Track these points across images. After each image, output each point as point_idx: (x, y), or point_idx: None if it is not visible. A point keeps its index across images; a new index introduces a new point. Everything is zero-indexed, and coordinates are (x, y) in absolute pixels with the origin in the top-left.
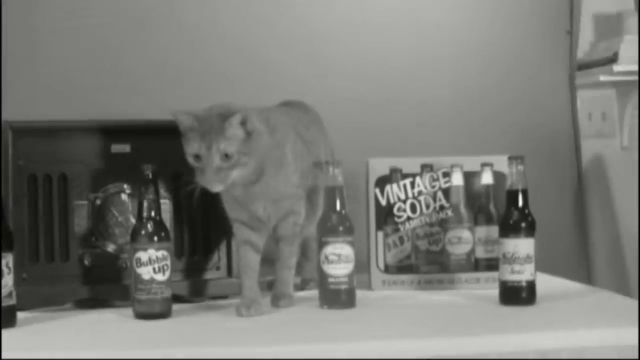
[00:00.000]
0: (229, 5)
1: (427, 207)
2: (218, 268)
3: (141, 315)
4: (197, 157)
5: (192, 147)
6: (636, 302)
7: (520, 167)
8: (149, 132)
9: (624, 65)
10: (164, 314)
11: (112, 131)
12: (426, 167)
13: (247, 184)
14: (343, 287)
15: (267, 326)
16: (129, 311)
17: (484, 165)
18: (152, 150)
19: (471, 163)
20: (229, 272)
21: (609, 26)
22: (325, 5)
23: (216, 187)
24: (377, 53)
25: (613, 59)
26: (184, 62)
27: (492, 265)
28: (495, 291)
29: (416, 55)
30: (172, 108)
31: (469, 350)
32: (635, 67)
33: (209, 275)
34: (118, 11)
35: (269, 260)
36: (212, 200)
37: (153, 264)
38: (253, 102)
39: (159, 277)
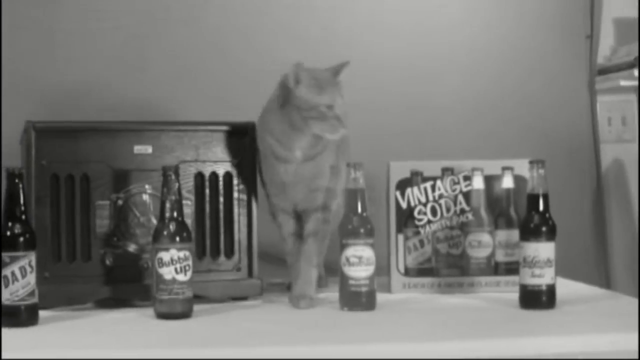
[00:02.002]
0: (248, 7)
1: (448, 210)
2: (239, 269)
3: (162, 315)
4: (330, 107)
5: (323, 99)
6: None
7: (541, 171)
8: (171, 133)
9: None
10: (185, 314)
11: (134, 132)
12: (447, 171)
13: (306, 158)
14: (363, 289)
15: (287, 327)
16: (150, 311)
17: (504, 169)
18: (175, 151)
19: (492, 167)
20: (250, 273)
21: (630, 31)
22: (344, 8)
23: (342, 133)
24: (397, 56)
25: (633, 63)
26: (205, 63)
27: (512, 269)
28: (515, 295)
29: (437, 59)
30: (295, 63)
31: (488, 354)
32: None
33: (230, 276)
34: (140, 12)
35: (282, 260)
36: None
37: (175, 264)
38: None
39: (181, 277)
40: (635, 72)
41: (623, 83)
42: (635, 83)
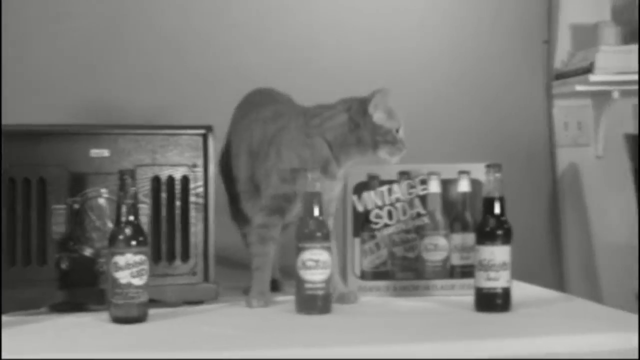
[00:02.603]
0: (211, 11)
1: (404, 214)
2: (195, 273)
3: (118, 320)
4: (397, 130)
5: (394, 123)
6: (609, 309)
7: (497, 175)
8: (128, 137)
9: (600, 75)
10: (141, 319)
11: (91, 135)
12: (403, 175)
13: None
14: (320, 292)
15: (243, 331)
16: (105, 315)
17: (461, 172)
18: (132, 155)
19: (448, 171)
20: (206, 277)
21: (586, 36)
22: (304, 10)
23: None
24: (356, 59)
25: (589, 69)
26: (162, 66)
27: (467, 272)
28: (470, 298)
29: (395, 62)
30: (377, 90)
31: (444, 356)
32: (610, 78)
33: (186, 280)
34: (97, 15)
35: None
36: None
37: (130, 268)
38: (231, 107)
39: (136, 281)
40: (591, 77)
41: (579, 88)
42: (591, 88)
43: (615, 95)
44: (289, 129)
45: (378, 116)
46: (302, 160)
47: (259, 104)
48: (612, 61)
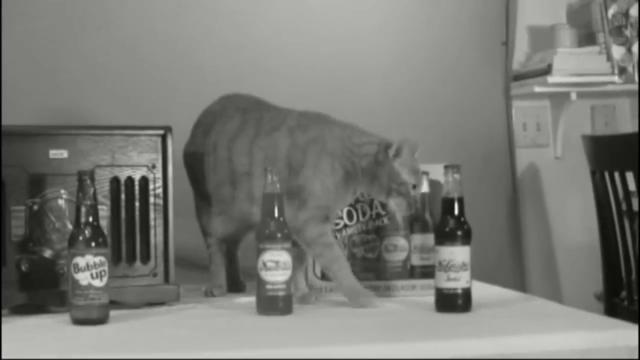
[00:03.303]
0: (170, 13)
1: (364, 214)
2: (155, 274)
3: (78, 321)
4: (414, 187)
5: (413, 178)
6: (569, 308)
7: (456, 176)
8: (87, 137)
9: (558, 77)
10: (102, 320)
11: (50, 136)
12: None
13: None
14: (280, 293)
15: (203, 332)
16: (66, 317)
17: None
18: (91, 156)
19: None
20: (166, 278)
21: (543, 38)
22: (263, 13)
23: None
24: (315, 60)
25: (547, 70)
26: (121, 67)
27: (427, 272)
28: (431, 298)
29: (355, 63)
30: (403, 138)
31: (404, 356)
32: (568, 79)
33: (146, 281)
34: (56, 16)
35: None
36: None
37: (91, 270)
38: (190, 108)
39: (97, 283)
40: (549, 79)
41: (537, 89)
42: (549, 89)
43: (573, 96)
44: (325, 141)
45: (399, 163)
46: (346, 174)
47: (253, 110)
48: (569, 63)
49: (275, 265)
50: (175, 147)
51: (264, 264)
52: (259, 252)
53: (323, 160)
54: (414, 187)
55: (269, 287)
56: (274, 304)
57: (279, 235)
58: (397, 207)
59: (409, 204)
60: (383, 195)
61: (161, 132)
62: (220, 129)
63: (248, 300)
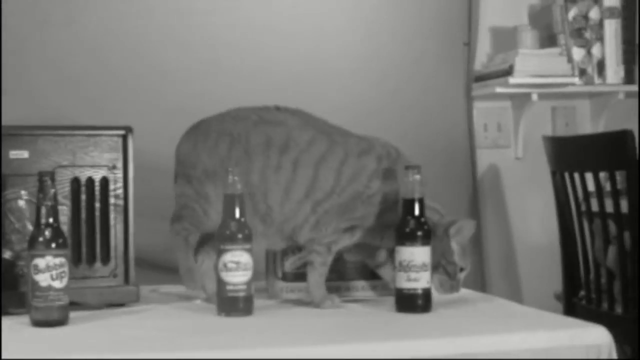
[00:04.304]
0: (132, 13)
1: None
2: (115, 275)
3: (38, 323)
4: (462, 270)
5: (463, 261)
6: (529, 308)
7: (417, 176)
8: (47, 137)
9: (519, 78)
10: (62, 322)
11: (10, 136)
12: None
13: None
14: (241, 294)
15: (164, 333)
16: (25, 319)
17: None
18: (51, 156)
19: None
20: (126, 279)
21: (505, 39)
22: (226, 12)
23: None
24: (278, 59)
25: (508, 71)
26: (83, 67)
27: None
28: (391, 299)
29: (317, 63)
30: (473, 222)
31: (365, 356)
32: (529, 80)
33: (107, 282)
34: (18, 15)
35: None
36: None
37: (51, 271)
38: (152, 107)
39: (57, 284)
40: (510, 80)
41: (499, 90)
42: (510, 90)
43: (534, 97)
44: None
45: (455, 242)
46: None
47: (333, 132)
48: (530, 64)
49: (236, 266)
50: (136, 147)
51: (225, 265)
52: (220, 252)
53: (391, 199)
54: (461, 270)
55: (229, 287)
56: (234, 305)
57: (239, 236)
58: (440, 285)
59: (452, 286)
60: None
61: (122, 132)
62: (306, 148)
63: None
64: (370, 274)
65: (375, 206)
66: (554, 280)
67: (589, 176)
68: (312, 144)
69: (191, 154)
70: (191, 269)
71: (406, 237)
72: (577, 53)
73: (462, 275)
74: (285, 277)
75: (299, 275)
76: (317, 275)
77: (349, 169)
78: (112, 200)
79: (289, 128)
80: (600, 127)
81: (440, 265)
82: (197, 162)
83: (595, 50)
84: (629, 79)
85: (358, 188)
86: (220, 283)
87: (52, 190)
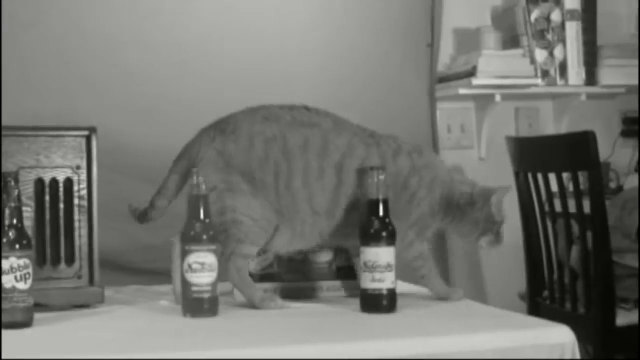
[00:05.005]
0: (91, 12)
1: None
2: (80, 277)
3: (2, 325)
4: (501, 224)
5: (501, 216)
6: (493, 308)
7: (381, 177)
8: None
9: (482, 79)
10: (26, 323)
11: None
12: None
13: None
14: (206, 295)
15: (128, 335)
16: None
17: None
18: (15, 157)
19: None
20: (91, 280)
21: (468, 41)
22: (190, 13)
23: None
24: (243, 58)
25: (472, 72)
26: (47, 67)
27: (353, 273)
28: (356, 299)
29: (280, 63)
30: (505, 187)
31: (330, 357)
32: (492, 81)
33: (71, 283)
34: None
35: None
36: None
37: (14, 272)
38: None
39: (21, 285)
40: (473, 81)
41: (462, 91)
42: (473, 91)
43: (497, 98)
44: (437, 168)
45: (494, 208)
46: (446, 204)
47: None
48: (493, 65)
49: (201, 267)
50: (100, 148)
51: (189, 266)
52: (184, 253)
53: (435, 185)
54: (501, 223)
55: (194, 289)
56: (199, 306)
57: (204, 237)
58: (489, 244)
59: (497, 241)
60: (475, 235)
61: (86, 133)
62: (348, 152)
63: (173, 302)
64: (336, 275)
65: (423, 201)
66: (518, 280)
67: (552, 176)
68: (352, 148)
69: (221, 156)
70: (268, 289)
71: (371, 238)
72: (540, 54)
73: (502, 228)
74: (250, 278)
75: (265, 276)
76: (435, 277)
77: (388, 176)
78: (76, 201)
79: (324, 131)
80: (563, 128)
81: (486, 229)
82: (229, 166)
83: (557, 51)
84: (590, 80)
85: (401, 192)
86: (185, 284)
87: (16, 191)
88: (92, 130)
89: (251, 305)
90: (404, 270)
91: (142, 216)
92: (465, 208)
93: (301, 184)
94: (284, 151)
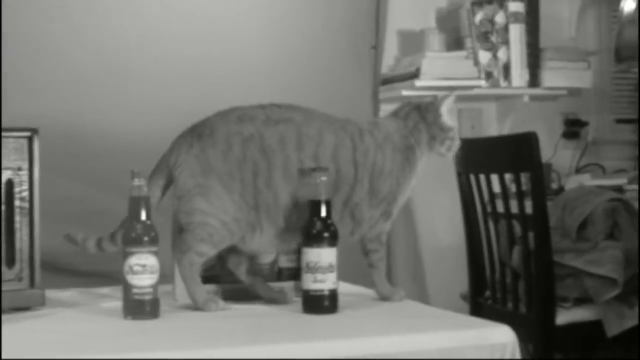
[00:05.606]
0: (38, 12)
1: None
2: (20, 279)
3: None
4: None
5: (455, 123)
6: (435, 308)
7: (324, 178)
8: None
9: (425, 81)
10: None
11: None
12: None
13: None
14: (147, 297)
15: (70, 337)
16: None
17: None
18: None
19: None
20: (32, 283)
21: (412, 42)
22: (137, 14)
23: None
24: (186, 60)
25: (415, 74)
26: None
27: (295, 274)
28: (298, 300)
29: (224, 64)
30: (452, 94)
31: (271, 358)
32: (435, 83)
33: (12, 286)
34: None
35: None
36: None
37: None
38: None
39: None
40: (417, 83)
41: (405, 93)
42: (416, 93)
43: None
44: (392, 136)
45: (446, 116)
46: (408, 162)
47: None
48: (437, 67)
49: (142, 269)
50: (43, 149)
51: (131, 268)
52: (125, 255)
53: (395, 152)
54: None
55: (135, 291)
56: (141, 308)
57: (145, 238)
58: (447, 149)
59: (455, 144)
60: (435, 147)
61: (28, 134)
62: (319, 141)
63: (114, 304)
64: (277, 276)
65: (394, 177)
66: (460, 281)
67: (494, 177)
68: (322, 136)
69: (199, 161)
70: (210, 291)
71: (313, 239)
72: (484, 56)
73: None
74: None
75: (208, 278)
76: (382, 273)
77: (360, 156)
78: (17, 203)
79: (297, 124)
80: (506, 129)
81: (445, 139)
82: (209, 170)
83: (501, 53)
84: (533, 82)
85: (371, 171)
86: (126, 286)
87: None
88: (34, 131)
89: (194, 304)
90: (346, 271)
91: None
92: (425, 133)
93: (282, 179)
94: (261, 149)
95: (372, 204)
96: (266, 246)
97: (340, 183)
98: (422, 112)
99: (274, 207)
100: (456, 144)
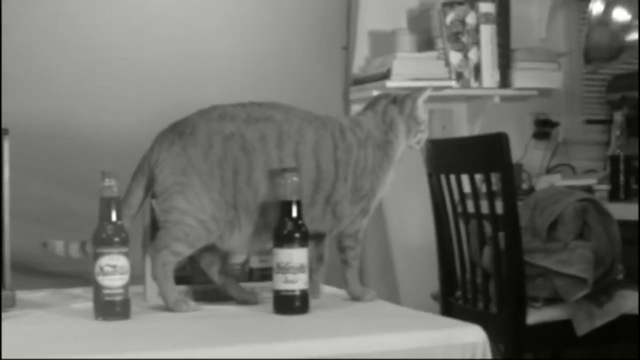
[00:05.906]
0: (7, 13)
1: None
2: None
3: None
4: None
5: (426, 116)
6: (406, 309)
7: (295, 179)
8: None
9: (396, 81)
10: None
11: None
12: None
13: None
14: (118, 298)
15: (39, 338)
16: None
17: None
18: None
19: None
20: (2, 284)
21: (383, 43)
22: (103, 15)
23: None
24: (155, 61)
25: (386, 74)
26: None
27: (266, 275)
28: (270, 300)
29: (193, 65)
30: (424, 89)
31: (243, 358)
32: (406, 84)
33: None
34: None
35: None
36: None
37: None
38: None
39: None
40: (387, 83)
41: (376, 93)
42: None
43: None
44: (372, 133)
45: (420, 109)
46: (387, 157)
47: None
48: (408, 67)
49: (113, 270)
50: (12, 150)
51: (101, 269)
52: (96, 256)
53: (376, 149)
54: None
55: (106, 291)
56: (111, 309)
57: (116, 239)
58: (418, 142)
59: (425, 138)
60: (411, 137)
61: None
62: (299, 139)
63: (85, 305)
64: (249, 277)
65: (376, 174)
66: (431, 281)
67: (465, 178)
68: (302, 134)
69: (180, 159)
70: (181, 292)
71: (284, 240)
72: (454, 57)
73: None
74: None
75: (179, 279)
76: (355, 271)
77: (342, 153)
78: None
79: (277, 123)
80: (477, 129)
81: (416, 130)
82: (189, 168)
83: (472, 54)
84: (504, 83)
85: (354, 169)
86: (97, 287)
87: None
88: (5, 131)
89: (165, 304)
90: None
91: None
92: (398, 123)
93: (262, 176)
94: (242, 148)
95: (353, 200)
96: (245, 244)
97: (321, 180)
98: (399, 104)
99: (253, 205)
100: (424, 137)
